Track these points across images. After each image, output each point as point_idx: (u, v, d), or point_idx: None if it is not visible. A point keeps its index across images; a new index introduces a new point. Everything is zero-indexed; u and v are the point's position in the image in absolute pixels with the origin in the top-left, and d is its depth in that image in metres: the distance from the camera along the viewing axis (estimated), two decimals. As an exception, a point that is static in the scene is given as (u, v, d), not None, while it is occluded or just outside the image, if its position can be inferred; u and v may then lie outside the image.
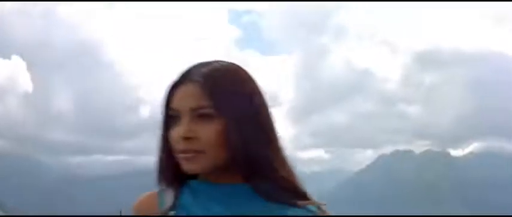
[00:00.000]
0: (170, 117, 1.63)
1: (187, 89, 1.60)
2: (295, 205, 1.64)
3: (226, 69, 1.67)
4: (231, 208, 1.60)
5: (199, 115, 1.56)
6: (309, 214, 1.66)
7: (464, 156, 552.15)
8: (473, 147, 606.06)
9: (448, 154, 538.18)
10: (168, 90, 1.67)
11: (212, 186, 1.64)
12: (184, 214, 1.62)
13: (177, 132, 1.58)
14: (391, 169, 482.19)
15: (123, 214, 27.30)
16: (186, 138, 1.56)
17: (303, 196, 1.71)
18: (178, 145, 1.58)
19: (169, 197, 1.67)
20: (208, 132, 1.55)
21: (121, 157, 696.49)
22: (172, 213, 1.61)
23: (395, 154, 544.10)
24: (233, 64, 1.72)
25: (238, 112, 1.58)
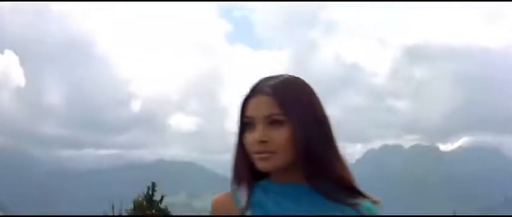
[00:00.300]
0: (245, 124, 1.96)
1: (260, 100, 1.92)
2: (350, 204, 1.94)
3: (292, 81, 2.00)
4: (298, 205, 1.91)
5: (271, 122, 1.90)
6: (363, 213, 1.94)
7: (453, 151, 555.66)
8: (462, 141, 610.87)
9: (437, 148, 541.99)
10: (243, 101, 1.99)
11: (280, 185, 1.95)
12: (260, 210, 1.94)
13: (253, 136, 1.91)
14: (380, 163, 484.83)
15: (115, 208, 28.38)
16: (261, 141, 1.88)
17: (358, 193, 1.99)
18: (254, 147, 1.91)
19: (243, 196, 1.99)
20: (279, 135, 1.88)
21: (112, 152, 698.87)
22: (249, 212, 1.92)
23: (385, 148, 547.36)
24: (296, 77, 2.03)
25: (303, 119, 1.90)
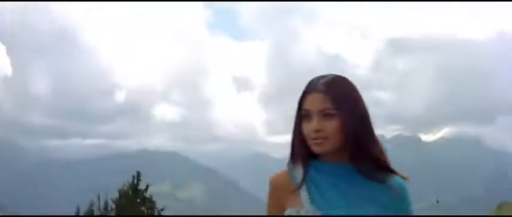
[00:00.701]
0: (303, 115, 2.45)
1: (315, 97, 2.40)
2: (384, 181, 2.42)
3: (341, 81, 2.49)
4: (343, 181, 2.42)
5: (324, 115, 2.37)
6: (394, 187, 2.43)
7: (435, 141, 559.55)
8: (444, 132, 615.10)
9: (419, 139, 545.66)
10: (301, 96, 2.48)
11: (330, 164, 2.45)
12: (313, 185, 2.43)
13: (310, 126, 2.40)
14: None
15: (100, 197, 30.01)
16: (317, 130, 2.36)
17: (391, 171, 2.47)
18: (310, 135, 2.39)
19: (298, 173, 2.48)
20: (331, 126, 2.36)
21: (97, 141, 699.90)
22: (303, 187, 2.44)
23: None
24: (343, 77, 2.53)
25: (350, 112, 2.38)
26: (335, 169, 2.45)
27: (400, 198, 2.43)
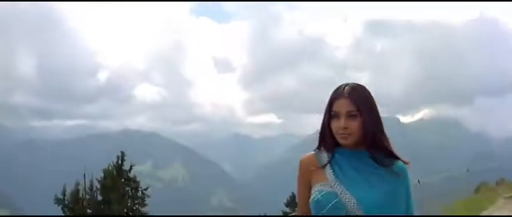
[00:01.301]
0: (332, 115, 3.01)
1: (342, 101, 2.97)
2: (389, 166, 3.01)
3: (361, 88, 3.05)
4: (361, 164, 3.01)
5: (349, 115, 2.94)
6: (396, 171, 3.03)
7: (414, 122, 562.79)
8: (422, 113, 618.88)
9: (398, 120, 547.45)
10: (330, 100, 3.05)
11: (350, 151, 3.04)
12: (336, 166, 3.02)
13: (338, 124, 2.98)
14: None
15: (86, 175, 30.25)
16: (344, 128, 2.94)
17: (395, 157, 3.08)
18: (338, 131, 2.97)
19: (324, 156, 3.10)
20: (354, 124, 2.94)
21: (80, 122, 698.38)
22: (328, 167, 3.04)
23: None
24: (362, 85, 3.10)
25: (368, 114, 2.97)
26: (354, 155, 3.03)
27: (403, 179, 3.03)
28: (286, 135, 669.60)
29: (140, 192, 31.89)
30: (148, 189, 32.59)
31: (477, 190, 27.72)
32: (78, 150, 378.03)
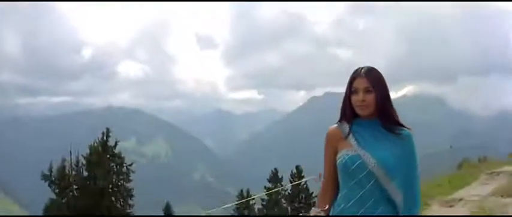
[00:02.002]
0: (352, 91, 3.61)
1: (361, 79, 3.57)
2: (397, 133, 3.61)
3: (375, 70, 3.66)
4: (375, 131, 3.60)
5: (366, 91, 3.54)
6: (403, 137, 3.62)
7: (397, 99, 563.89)
8: (406, 90, 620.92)
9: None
10: (351, 79, 3.64)
11: (366, 121, 3.63)
12: (357, 134, 3.60)
13: (357, 98, 3.57)
14: (323, 110, 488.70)
15: (72, 151, 30.34)
16: (362, 101, 3.54)
17: (402, 126, 3.68)
18: (357, 103, 3.57)
19: (345, 127, 3.67)
20: (370, 98, 3.54)
21: (65, 99, 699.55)
22: (350, 136, 3.61)
23: (327, 95, 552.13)
24: (375, 68, 3.70)
25: (380, 90, 3.57)
26: (369, 124, 3.63)
27: (408, 143, 3.64)
28: (268, 111, 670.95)
29: (125, 167, 32.16)
30: (133, 165, 32.81)
31: (460, 166, 28.11)
32: (63, 127, 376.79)
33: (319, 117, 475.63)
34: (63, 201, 28.63)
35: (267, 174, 42.44)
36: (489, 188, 16.88)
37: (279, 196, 39.76)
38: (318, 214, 3.57)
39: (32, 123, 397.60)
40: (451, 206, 13.78)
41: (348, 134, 3.67)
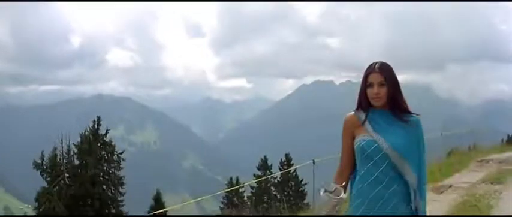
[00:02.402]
0: (367, 85, 4.04)
1: (375, 74, 4.00)
2: (407, 121, 4.08)
3: (387, 65, 4.11)
4: (387, 118, 4.07)
5: (380, 84, 3.97)
6: (412, 124, 4.09)
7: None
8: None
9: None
10: (366, 73, 4.07)
11: (379, 110, 4.08)
12: (372, 122, 4.06)
13: (372, 91, 4.00)
14: (312, 98, 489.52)
15: (63, 139, 30.35)
16: (376, 93, 3.97)
17: (410, 114, 4.16)
18: (372, 95, 4.00)
19: (361, 115, 4.12)
20: (383, 91, 3.97)
21: (54, 87, 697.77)
22: (366, 122, 4.07)
23: (316, 84, 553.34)
24: (387, 63, 4.16)
25: (392, 83, 4.02)
26: (382, 113, 4.10)
27: (417, 128, 4.16)
28: (257, 99, 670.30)
29: (116, 155, 32.19)
30: (123, 153, 32.93)
31: (449, 154, 28.28)
32: (52, 116, 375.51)
33: (308, 105, 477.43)
34: (55, 189, 28.64)
35: (256, 161, 42.56)
36: (479, 175, 17.08)
37: (269, 184, 39.91)
38: (333, 195, 4.09)
39: (21, 112, 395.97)
40: (441, 192, 13.96)
41: (364, 121, 4.13)
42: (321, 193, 4.18)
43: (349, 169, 4.30)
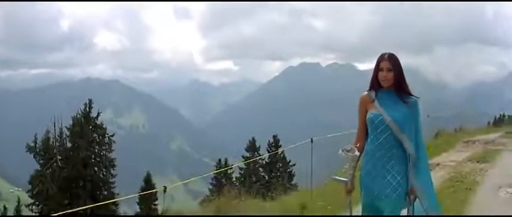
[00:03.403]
0: (378, 70, 5.01)
1: (385, 62, 4.98)
2: (408, 102, 5.06)
3: (394, 55, 5.05)
4: (393, 97, 5.07)
5: (388, 70, 4.98)
6: (412, 104, 5.06)
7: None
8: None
9: (355, 67, 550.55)
10: (378, 61, 5.04)
11: (387, 91, 5.07)
12: (381, 100, 5.07)
13: (382, 74, 5.00)
14: (298, 81, 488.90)
15: (56, 122, 30.62)
16: (386, 76, 4.98)
17: (411, 95, 5.12)
18: (382, 78, 5.00)
19: (373, 94, 5.13)
20: (391, 75, 4.98)
21: (43, 71, 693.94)
22: (376, 100, 5.10)
23: (303, 66, 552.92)
24: (394, 54, 5.07)
25: (398, 69, 5.00)
26: (389, 93, 5.03)
27: (415, 107, 5.08)
28: (244, 81, 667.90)
29: (107, 138, 32.51)
30: (113, 136, 33.25)
31: (436, 135, 28.76)
32: (42, 99, 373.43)
33: (295, 87, 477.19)
34: (48, 171, 28.96)
35: (244, 143, 42.78)
36: (465, 154, 17.56)
37: (257, 166, 40.26)
38: (349, 153, 5.17)
39: (11, 95, 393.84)
40: (429, 170, 14.43)
41: (374, 99, 5.10)
42: (340, 152, 5.19)
43: (364, 136, 5.32)
